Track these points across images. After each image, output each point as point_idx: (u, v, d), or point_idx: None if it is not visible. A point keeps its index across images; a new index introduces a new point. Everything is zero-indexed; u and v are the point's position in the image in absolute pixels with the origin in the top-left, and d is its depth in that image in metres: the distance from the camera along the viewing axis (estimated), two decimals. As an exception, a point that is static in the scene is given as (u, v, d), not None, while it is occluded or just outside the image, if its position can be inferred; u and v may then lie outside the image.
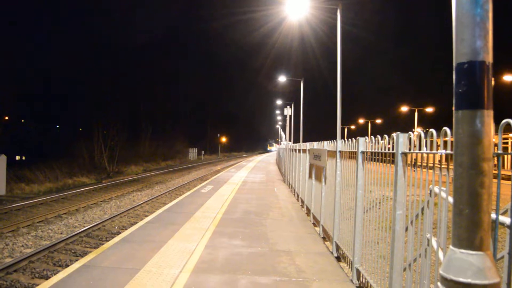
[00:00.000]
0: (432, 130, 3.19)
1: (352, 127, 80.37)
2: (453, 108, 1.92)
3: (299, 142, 24.28)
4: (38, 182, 24.34)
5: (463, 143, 1.87)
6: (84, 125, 43.18)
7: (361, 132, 73.76)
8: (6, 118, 33.33)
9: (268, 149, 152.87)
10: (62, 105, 65.34)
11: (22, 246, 10.30)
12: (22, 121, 59.07)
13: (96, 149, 37.39)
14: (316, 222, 9.37)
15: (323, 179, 8.36)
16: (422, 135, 3.47)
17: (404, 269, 3.93)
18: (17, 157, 42.35)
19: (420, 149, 3.57)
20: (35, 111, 60.11)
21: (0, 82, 29.41)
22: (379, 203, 4.89)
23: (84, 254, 9.50)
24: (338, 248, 6.85)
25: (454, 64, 1.90)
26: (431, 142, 3.30)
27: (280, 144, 62.28)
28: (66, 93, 65.14)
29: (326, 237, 8.07)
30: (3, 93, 29.86)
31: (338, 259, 6.76)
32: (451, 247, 1.92)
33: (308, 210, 10.63)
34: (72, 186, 25.12)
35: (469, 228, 1.85)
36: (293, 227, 9.31)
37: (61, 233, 11.86)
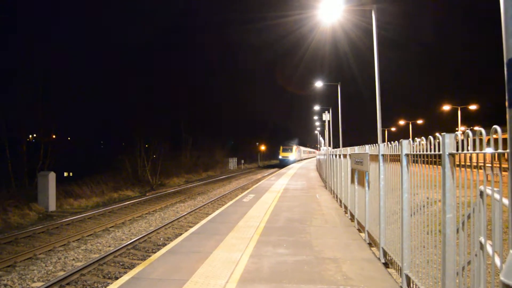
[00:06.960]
0: (481, 129, 3.06)
1: (393, 129, 78.70)
2: (506, 105, 1.83)
3: (338, 147, 23.96)
4: (86, 197, 25.14)
5: (519, 141, 1.77)
6: (127, 139, 44.29)
7: (402, 134, 72.15)
8: (54, 136, 34.62)
9: (281, 157, 75.68)
10: (105, 121, 67.52)
11: (73, 259, 10.67)
12: (68, 138, 61.55)
13: (139, 162, 38.25)
14: (361, 228, 9.19)
15: (366, 184, 8.20)
16: (470, 134, 3.33)
17: (457, 274, 3.77)
18: (65, 174, 44.01)
19: (468, 149, 3.43)
20: (80, 128, 62.59)
21: (48, 102, 30.53)
22: (426, 204, 4.73)
23: (132, 266, 9.72)
24: (385, 253, 6.68)
25: (505, 60, 1.81)
26: (480, 141, 3.16)
27: (320, 149, 60.76)
28: (108, 109, 67.35)
29: (372, 242, 7.89)
30: (50, 113, 31.02)
31: (385, 265, 6.59)
32: (511, 251, 1.82)
33: (352, 215, 10.45)
34: (118, 200, 25.83)
35: (529, 231, 1.75)
36: (338, 234, 9.17)
37: (109, 246, 12.19)
